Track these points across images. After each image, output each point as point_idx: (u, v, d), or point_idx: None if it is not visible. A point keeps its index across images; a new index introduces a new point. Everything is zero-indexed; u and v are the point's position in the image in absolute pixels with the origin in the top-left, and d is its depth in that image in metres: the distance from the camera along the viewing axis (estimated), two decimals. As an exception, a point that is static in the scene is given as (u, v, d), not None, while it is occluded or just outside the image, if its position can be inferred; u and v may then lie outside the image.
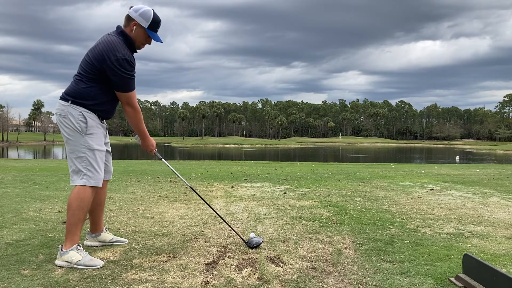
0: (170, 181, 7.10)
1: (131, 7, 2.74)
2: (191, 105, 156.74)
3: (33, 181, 6.82)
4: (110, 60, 2.57)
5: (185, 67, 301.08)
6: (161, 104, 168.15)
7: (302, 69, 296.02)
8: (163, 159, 3.14)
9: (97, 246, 2.99)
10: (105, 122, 2.91)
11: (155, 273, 2.44)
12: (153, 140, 2.98)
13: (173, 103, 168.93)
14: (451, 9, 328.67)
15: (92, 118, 2.68)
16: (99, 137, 2.73)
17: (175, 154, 49.90)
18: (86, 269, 2.49)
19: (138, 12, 2.69)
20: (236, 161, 23.23)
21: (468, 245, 3.15)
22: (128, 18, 2.71)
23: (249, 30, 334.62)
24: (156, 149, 3.04)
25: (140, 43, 2.77)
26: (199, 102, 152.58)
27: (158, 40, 2.79)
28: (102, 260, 2.65)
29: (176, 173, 3.17)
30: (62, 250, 2.58)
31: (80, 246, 2.61)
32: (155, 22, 2.73)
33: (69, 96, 2.66)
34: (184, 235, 3.32)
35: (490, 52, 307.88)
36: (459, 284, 2.29)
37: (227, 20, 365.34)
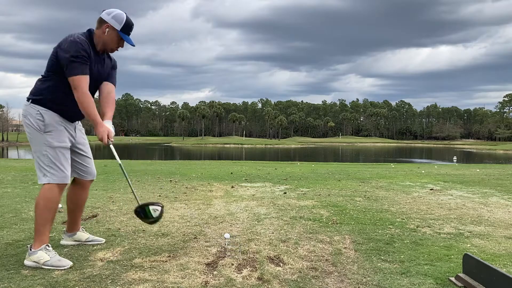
0: (170, 181, 7.10)
1: (104, 10, 2.75)
2: (191, 105, 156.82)
3: (33, 181, 6.82)
4: (60, 43, 2.61)
5: (200, 71, 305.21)
6: (161, 104, 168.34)
7: (308, 73, 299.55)
8: (112, 149, 2.79)
9: (72, 245, 2.99)
10: (79, 123, 2.92)
11: (155, 273, 2.44)
12: (108, 128, 2.75)
13: (173, 103, 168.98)
14: (453, 26, 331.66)
15: (50, 116, 2.66)
16: (60, 135, 2.69)
17: (175, 154, 49.91)
18: (54, 270, 2.47)
19: (111, 15, 2.70)
20: (236, 161, 23.23)
21: (468, 245, 3.15)
22: (101, 21, 2.72)
23: (260, 39, 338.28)
24: (112, 140, 2.77)
25: (113, 45, 2.77)
26: (199, 102, 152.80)
27: (130, 42, 2.79)
28: (102, 260, 2.65)
29: (126, 175, 2.82)
30: (30, 250, 2.57)
31: (48, 246, 2.60)
32: (128, 25, 2.74)
33: (30, 95, 2.71)
34: (184, 235, 3.33)
35: (488, 57, 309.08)
36: (459, 284, 2.30)
37: (241, 30, 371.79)
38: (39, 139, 2.65)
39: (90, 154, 2.98)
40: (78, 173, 2.93)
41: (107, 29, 2.69)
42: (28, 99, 2.70)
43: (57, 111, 2.68)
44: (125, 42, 2.78)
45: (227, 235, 3.10)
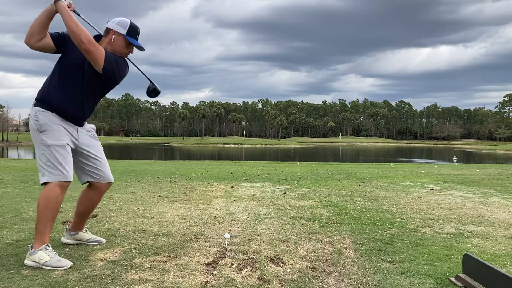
0: (170, 181, 7.10)
1: (108, 21, 2.80)
2: (191, 105, 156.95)
3: (33, 181, 6.82)
4: None
5: (200, 71, 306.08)
6: (161, 104, 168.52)
7: (308, 73, 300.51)
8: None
9: (72, 245, 2.99)
10: (86, 125, 2.91)
11: (155, 273, 2.44)
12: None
13: (173, 103, 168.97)
14: (453, 26, 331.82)
15: (46, 116, 2.66)
16: (55, 134, 2.67)
17: (175, 154, 49.90)
18: (54, 270, 2.47)
19: (115, 22, 2.78)
20: (236, 161, 23.24)
21: (468, 245, 3.15)
22: (107, 30, 2.78)
23: (260, 39, 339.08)
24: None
25: (122, 51, 2.79)
26: (199, 102, 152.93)
27: (138, 45, 2.82)
28: (102, 260, 2.65)
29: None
30: (31, 250, 2.57)
31: (49, 246, 2.60)
32: (133, 29, 2.78)
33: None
34: (184, 235, 3.33)
35: (488, 57, 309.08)
36: (459, 284, 2.30)
37: (241, 30, 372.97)
38: (37, 139, 2.67)
39: (101, 157, 2.94)
40: (92, 176, 2.91)
41: (113, 36, 2.74)
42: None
43: (53, 109, 2.67)
44: (133, 46, 2.82)
45: (227, 235, 3.10)
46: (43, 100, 2.69)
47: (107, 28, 2.77)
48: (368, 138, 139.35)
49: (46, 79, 2.76)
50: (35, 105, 2.70)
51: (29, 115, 2.76)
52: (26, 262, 2.56)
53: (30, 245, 2.62)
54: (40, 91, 2.74)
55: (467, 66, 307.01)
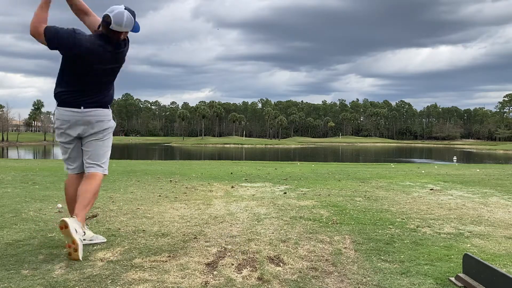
0: (170, 181, 7.10)
1: (107, 16, 2.78)
2: (191, 105, 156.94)
3: (33, 181, 6.83)
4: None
5: (200, 71, 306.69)
6: (161, 104, 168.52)
7: (308, 73, 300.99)
8: None
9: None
10: None
11: (155, 273, 2.44)
12: None
13: (173, 103, 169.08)
14: (453, 26, 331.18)
15: None
16: None
17: (175, 154, 49.88)
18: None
19: (123, 24, 2.81)
20: (236, 161, 23.24)
21: (468, 245, 3.15)
22: (112, 30, 2.83)
23: (260, 39, 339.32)
24: None
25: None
26: (199, 102, 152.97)
27: (137, 31, 2.99)
28: (102, 260, 2.65)
29: None
30: (78, 220, 2.76)
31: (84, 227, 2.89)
32: (135, 20, 2.90)
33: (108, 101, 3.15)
34: (184, 235, 3.33)
35: (488, 58, 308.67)
36: (459, 284, 2.30)
37: (241, 30, 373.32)
38: (110, 137, 3.15)
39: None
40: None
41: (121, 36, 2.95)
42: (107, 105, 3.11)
43: None
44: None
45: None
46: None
47: (111, 28, 2.81)
48: (368, 138, 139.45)
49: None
50: (107, 107, 3.07)
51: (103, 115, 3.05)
52: (70, 222, 2.63)
53: (74, 215, 2.82)
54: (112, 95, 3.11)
55: (467, 66, 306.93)
